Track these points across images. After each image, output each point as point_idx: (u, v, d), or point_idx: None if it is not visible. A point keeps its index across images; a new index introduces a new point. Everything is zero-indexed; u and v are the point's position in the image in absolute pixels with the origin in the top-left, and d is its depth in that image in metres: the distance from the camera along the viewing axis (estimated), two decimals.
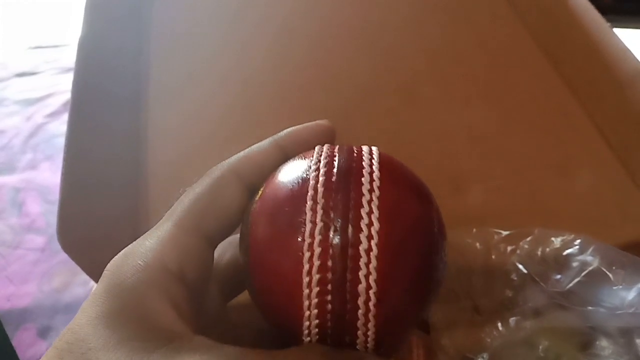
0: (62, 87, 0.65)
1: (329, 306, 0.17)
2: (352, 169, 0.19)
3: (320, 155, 0.20)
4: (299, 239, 0.17)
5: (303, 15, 0.53)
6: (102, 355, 0.16)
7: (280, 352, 0.17)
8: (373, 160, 0.19)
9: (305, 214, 0.18)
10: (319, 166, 0.19)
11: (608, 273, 0.29)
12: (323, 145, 0.21)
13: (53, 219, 0.29)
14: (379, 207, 0.18)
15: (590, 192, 0.38)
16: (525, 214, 0.36)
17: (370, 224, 0.17)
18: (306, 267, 0.17)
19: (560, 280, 0.29)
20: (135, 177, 0.39)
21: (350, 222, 0.17)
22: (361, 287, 0.17)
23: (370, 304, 0.17)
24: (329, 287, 0.17)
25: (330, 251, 0.17)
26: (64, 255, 0.29)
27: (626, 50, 0.40)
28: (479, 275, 0.30)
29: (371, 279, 0.17)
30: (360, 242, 0.17)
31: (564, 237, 0.30)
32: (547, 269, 0.30)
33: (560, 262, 0.30)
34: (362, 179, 0.18)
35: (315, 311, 0.17)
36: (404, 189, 0.19)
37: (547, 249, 0.30)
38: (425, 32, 0.51)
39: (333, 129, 0.23)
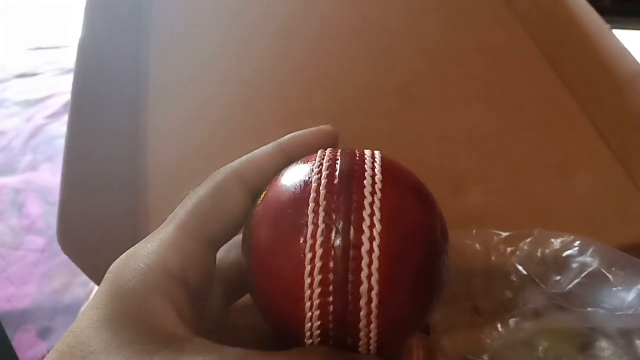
0: (62, 88, 0.65)
1: (331, 307, 0.17)
2: (354, 172, 0.19)
3: (323, 159, 0.20)
4: (301, 241, 0.17)
5: (303, 15, 0.53)
6: (103, 358, 0.16)
7: (281, 353, 0.17)
8: (375, 164, 0.19)
9: (307, 216, 0.18)
10: (321, 169, 0.19)
11: (607, 274, 0.29)
12: (325, 149, 0.21)
13: (53, 220, 0.29)
14: (380, 209, 0.18)
15: (590, 193, 0.38)
16: (525, 214, 0.36)
17: (372, 226, 0.17)
18: (308, 268, 0.17)
19: (560, 281, 0.29)
20: (134, 178, 0.39)
21: (352, 224, 0.17)
22: (363, 288, 0.17)
23: (372, 306, 0.17)
24: (331, 288, 0.17)
25: (332, 252, 0.17)
26: (64, 257, 0.29)
27: (625, 51, 0.40)
28: (478, 276, 0.30)
29: (373, 280, 0.17)
30: (362, 244, 0.17)
31: (564, 238, 0.30)
32: (547, 270, 0.30)
33: (560, 263, 0.30)
34: (364, 181, 0.18)
35: (317, 312, 0.17)
36: (406, 192, 0.19)
37: (547, 250, 0.30)
38: (425, 33, 0.51)
39: (336, 134, 0.23)
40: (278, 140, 0.23)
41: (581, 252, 0.30)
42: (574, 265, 0.29)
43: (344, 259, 0.17)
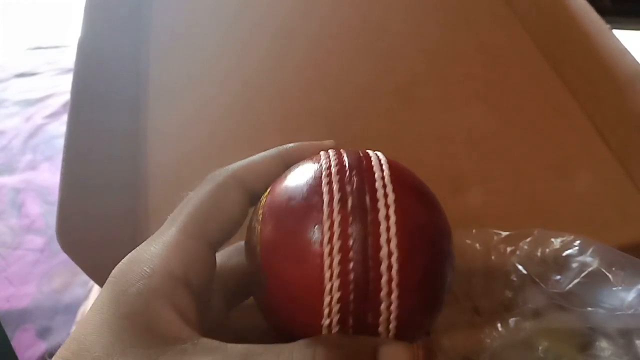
0: (62, 88, 0.65)
1: (352, 275, 0.17)
2: (360, 160, 0.19)
3: (329, 157, 0.20)
4: (316, 227, 0.18)
5: (303, 15, 0.53)
6: None
7: (288, 345, 0.17)
8: (381, 161, 0.20)
9: (322, 200, 0.18)
10: (329, 161, 0.20)
11: (608, 274, 0.29)
12: (327, 151, 0.21)
13: (52, 220, 0.29)
14: (391, 181, 0.19)
15: (590, 193, 0.38)
16: (525, 215, 0.36)
17: (385, 194, 0.18)
18: (326, 237, 0.17)
19: (560, 281, 0.29)
20: (134, 178, 0.39)
21: (367, 193, 0.18)
22: (383, 253, 0.17)
23: (393, 272, 0.17)
24: (351, 254, 0.17)
25: (350, 219, 0.17)
26: (63, 256, 0.29)
27: (625, 52, 0.40)
28: (478, 276, 0.30)
29: (392, 245, 0.17)
30: (378, 210, 0.18)
31: (564, 238, 0.30)
32: (547, 269, 0.30)
33: (560, 263, 0.30)
34: (372, 164, 0.19)
35: (337, 282, 0.17)
36: (412, 176, 0.20)
37: (547, 250, 0.30)
38: (425, 33, 0.51)
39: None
40: (279, 147, 0.23)
41: (581, 252, 0.30)
42: (574, 265, 0.29)
43: (362, 221, 0.17)
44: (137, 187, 0.39)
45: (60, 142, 0.33)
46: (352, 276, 0.17)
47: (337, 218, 0.17)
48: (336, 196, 0.18)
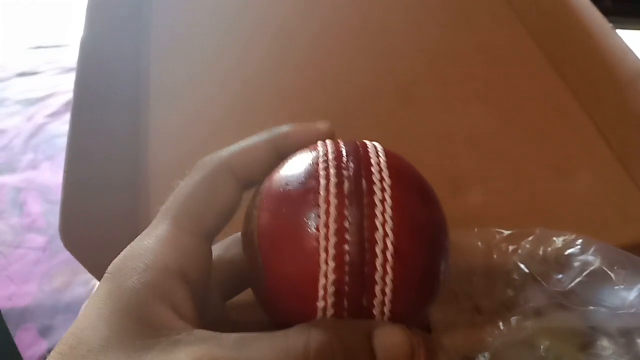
0: (63, 88, 0.65)
1: (347, 257, 0.17)
2: (357, 148, 0.20)
3: (326, 147, 0.20)
4: (312, 196, 0.18)
5: (303, 15, 0.53)
6: (101, 355, 0.16)
7: (282, 330, 0.17)
8: (377, 148, 0.20)
9: (319, 195, 0.18)
10: (326, 148, 0.20)
11: (609, 273, 0.29)
12: (325, 140, 0.21)
13: (54, 219, 0.29)
14: (388, 167, 0.19)
15: (590, 193, 0.38)
16: (525, 215, 0.36)
17: (381, 179, 0.18)
18: (322, 220, 0.17)
19: (562, 280, 0.29)
20: (136, 177, 0.39)
21: (363, 178, 0.18)
22: (378, 235, 0.17)
23: (388, 254, 0.17)
24: (347, 236, 0.17)
25: (346, 201, 0.18)
26: (64, 255, 0.29)
27: (627, 51, 0.40)
28: (479, 275, 0.30)
29: (387, 227, 0.17)
30: (374, 193, 0.18)
31: (566, 237, 0.30)
32: (549, 268, 0.30)
33: (562, 262, 0.30)
34: (369, 151, 0.19)
35: (333, 264, 0.17)
36: (408, 165, 0.20)
37: (549, 249, 0.30)
38: (425, 33, 0.51)
39: (332, 132, 0.23)
40: (271, 132, 0.22)
41: (583, 250, 0.30)
42: (576, 264, 0.29)
43: (358, 204, 0.18)
44: (138, 186, 0.39)
45: (62, 142, 0.33)
46: (347, 258, 0.17)
47: (333, 201, 0.18)
48: (333, 180, 0.18)
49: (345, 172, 0.18)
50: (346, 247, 0.17)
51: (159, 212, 0.21)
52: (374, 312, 0.18)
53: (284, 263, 0.18)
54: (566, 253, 0.30)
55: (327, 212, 0.17)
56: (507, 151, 0.41)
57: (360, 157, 0.19)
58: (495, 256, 0.31)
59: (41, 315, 0.44)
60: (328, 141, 0.21)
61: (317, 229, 0.17)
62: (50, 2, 0.78)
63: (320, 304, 0.17)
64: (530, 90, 0.46)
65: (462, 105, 0.44)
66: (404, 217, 0.18)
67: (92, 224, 0.32)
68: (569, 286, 0.29)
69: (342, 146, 0.20)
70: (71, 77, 0.39)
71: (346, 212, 0.17)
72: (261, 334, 0.17)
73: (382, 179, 0.18)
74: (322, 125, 0.23)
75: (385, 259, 0.17)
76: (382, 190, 0.18)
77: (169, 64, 0.49)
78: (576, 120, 0.43)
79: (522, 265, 0.30)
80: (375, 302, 0.17)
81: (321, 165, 0.19)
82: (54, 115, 0.61)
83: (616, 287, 0.28)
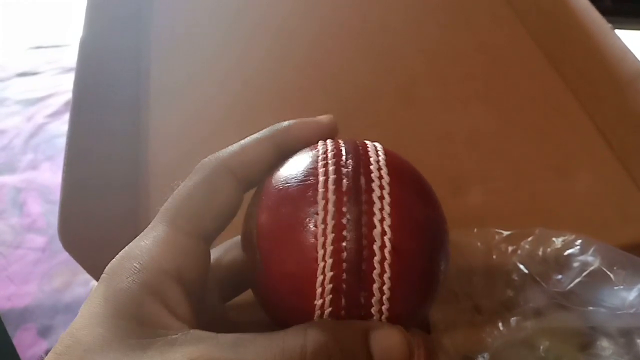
0: (63, 88, 0.65)
1: (344, 254, 0.17)
2: (357, 146, 0.20)
3: (326, 144, 0.20)
4: (311, 192, 0.18)
5: (303, 15, 0.53)
6: (97, 355, 0.16)
7: (279, 332, 0.17)
8: (377, 147, 0.20)
9: (317, 203, 0.18)
10: (326, 147, 0.20)
11: (609, 273, 0.29)
12: (325, 140, 0.21)
13: (54, 219, 0.29)
14: (387, 165, 0.19)
15: (590, 193, 0.38)
16: (525, 215, 0.36)
17: (380, 177, 0.18)
18: (320, 216, 0.17)
19: (561, 280, 0.29)
20: (135, 177, 0.39)
21: (362, 175, 0.18)
22: (376, 232, 0.17)
23: (386, 251, 0.17)
24: (344, 233, 0.17)
25: (345, 198, 0.18)
26: (64, 256, 0.29)
27: (627, 51, 0.40)
28: (479, 275, 0.30)
29: (385, 224, 0.17)
30: (373, 190, 0.18)
31: (565, 238, 0.31)
32: (548, 269, 0.30)
33: (561, 263, 0.30)
34: (369, 150, 0.20)
35: (330, 261, 0.17)
36: (408, 166, 0.20)
37: (548, 249, 0.30)
38: (425, 33, 0.51)
39: (335, 126, 0.23)
40: (271, 131, 0.22)
41: (582, 251, 0.30)
42: (575, 265, 0.29)
43: (356, 201, 0.18)
44: (138, 186, 0.39)
45: (62, 142, 0.33)
46: (345, 255, 0.17)
47: (331, 198, 0.18)
48: (331, 177, 0.18)
49: (344, 170, 0.18)
50: (344, 244, 0.17)
51: (158, 213, 0.21)
52: (372, 310, 0.17)
53: (282, 260, 0.18)
54: (566, 253, 0.30)
55: (326, 209, 0.18)
56: (507, 151, 0.41)
57: (360, 156, 0.19)
58: (494, 257, 0.31)
59: (41, 315, 0.44)
60: (328, 141, 0.21)
61: (315, 225, 0.17)
62: (50, 2, 0.78)
63: (318, 301, 0.17)
64: (530, 90, 0.46)
65: (462, 105, 0.44)
66: (403, 214, 0.18)
67: (91, 224, 0.32)
68: (569, 286, 0.29)
69: (342, 145, 0.20)
70: (71, 77, 0.39)
71: (344, 209, 0.18)
72: (258, 335, 0.17)
73: (380, 177, 0.18)
74: (323, 119, 0.23)
75: (383, 257, 0.17)
76: (381, 187, 0.18)
77: (169, 64, 0.49)
78: (576, 120, 0.43)
79: (521, 266, 0.30)
80: (373, 300, 0.17)
81: (320, 163, 0.19)
82: (54, 115, 0.61)
83: (616, 288, 0.28)
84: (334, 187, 0.18)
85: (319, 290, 0.17)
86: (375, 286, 0.17)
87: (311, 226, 0.17)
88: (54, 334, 0.43)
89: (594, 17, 0.43)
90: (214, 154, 0.22)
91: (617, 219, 0.36)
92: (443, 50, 0.49)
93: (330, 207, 0.18)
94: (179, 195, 0.21)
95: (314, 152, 0.20)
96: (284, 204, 0.19)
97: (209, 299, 0.22)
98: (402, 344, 0.17)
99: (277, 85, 0.46)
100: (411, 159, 0.21)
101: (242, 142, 0.22)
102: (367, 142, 0.21)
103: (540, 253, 0.30)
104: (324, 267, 0.17)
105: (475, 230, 0.32)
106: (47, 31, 0.73)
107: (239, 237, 0.22)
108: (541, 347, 0.28)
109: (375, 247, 0.17)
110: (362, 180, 0.18)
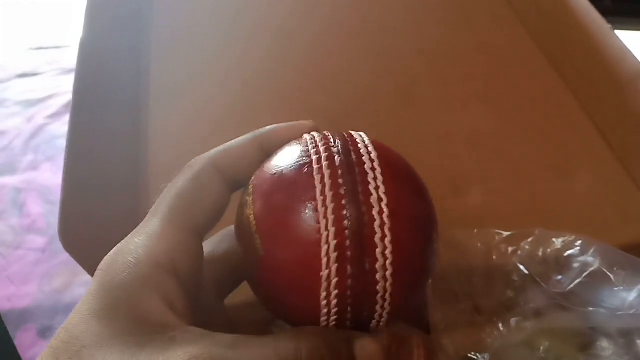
0: (63, 89, 0.65)
1: (346, 222, 0.18)
2: (342, 134, 0.21)
3: (315, 138, 0.21)
4: (306, 169, 0.19)
5: (303, 15, 0.53)
6: (95, 352, 0.16)
7: (274, 335, 0.18)
8: (362, 135, 0.21)
9: (315, 188, 0.18)
10: (314, 136, 0.21)
11: (609, 274, 0.29)
12: (311, 132, 0.22)
13: (54, 220, 0.29)
14: (373, 144, 0.20)
15: (590, 193, 0.38)
16: (525, 215, 0.36)
17: (369, 152, 0.19)
18: (319, 189, 0.18)
19: (561, 281, 0.29)
20: (135, 177, 0.39)
21: (352, 152, 0.19)
22: (373, 199, 0.18)
23: (385, 216, 0.18)
24: (344, 202, 0.18)
25: (339, 172, 0.19)
26: (64, 256, 0.29)
27: (627, 51, 0.40)
28: (479, 275, 0.30)
29: (381, 191, 0.18)
30: (364, 163, 0.19)
31: (565, 238, 0.30)
32: (548, 269, 0.30)
33: (561, 263, 0.30)
34: (354, 136, 0.21)
35: (333, 229, 0.18)
36: (395, 155, 0.21)
37: (548, 250, 0.30)
38: (425, 33, 0.51)
39: (317, 128, 0.23)
40: (256, 132, 0.23)
41: (582, 252, 0.30)
42: (575, 265, 0.29)
43: (352, 183, 0.18)
44: (138, 186, 0.39)
45: (62, 143, 0.33)
46: (347, 223, 0.18)
47: (327, 172, 0.18)
48: (324, 155, 0.19)
49: (334, 149, 0.19)
50: (344, 212, 0.18)
51: (149, 212, 0.21)
52: (377, 277, 0.18)
53: (285, 239, 0.18)
54: (566, 254, 0.30)
55: (323, 182, 0.18)
56: (507, 151, 0.40)
57: (346, 139, 0.20)
58: (494, 257, 0.31)
59: (41, 316, 0.44)
60: (314, 132, 0.22)
61: (315, 199, 0.18)
62: (50, 2, 0.78)
63: (324, 272, 0.18)
64: (530, 90, 0.46)
65: (462, 105, 0.44)
66: (396, 182, 0.19)
67: (91, 225, 0.32)
68: (569, 287, 0.29)
69: (328, 132, 0.21)
70: (72, 78, 0.39)
71: (340, 181, 0.18)
72: (254, 337, 0.17)
73: (369, 152, 0.19)
74: (306, 123, 0.23)
75: (382, 222, 0.18)
76: (371, 160, 0.19)
77: (169, 64, 0.49)
78: (576, 120, 0.43)
79: (521, 267, 0.30)
80: (377, 265, 0.18)
81: (310, 146, 0.20)
82: (55, 116, 0.61)
83: (616, 288, 0.28)
84: (327, 162, 0.19)
85: (324, 260, 0.18)
86: (378, 250, 0.18)
87: (311, 201, 0.18)
88: (54, 335, 0.43)
89: (594, 17, 0.43)
90: (202, 155, 0.22)
91: (617, 219, 0.36)
92: (443, 50, 0.49)
93: (327, 180, 0.18)
94: (169, 193, 0.21)
95: (301, 141, 0.21)
96: (280, 186, 0.19)
97: (206, 297, 0.22)
98: (379, 352, 0.19)
99: (277, 85, 0.46)
100: (411, 159, 0.21)
101: (228, 143, 0.23)
102: (352, 132, 0.22)
103: (540, 254, 0.30)
104: (328, 236, 0.18)
105: (475, 231, 0.32)
106: (47, 32, 0.73)
107: (227, 230, 0.23)
108: (541, 348, 0.28)
109: (375, 212, 0.18)
110: (353, 156, 0.19)
